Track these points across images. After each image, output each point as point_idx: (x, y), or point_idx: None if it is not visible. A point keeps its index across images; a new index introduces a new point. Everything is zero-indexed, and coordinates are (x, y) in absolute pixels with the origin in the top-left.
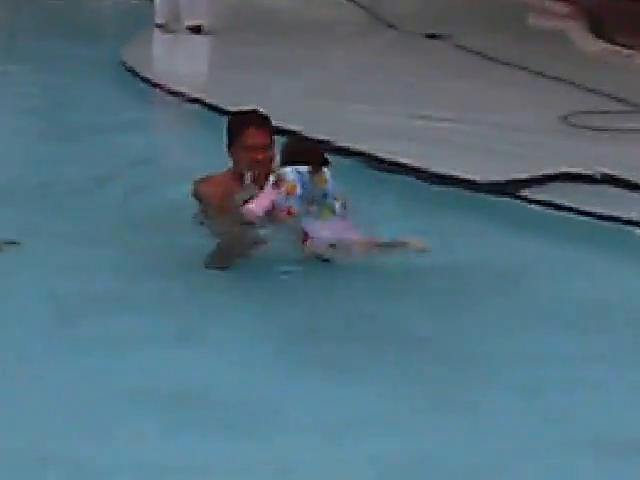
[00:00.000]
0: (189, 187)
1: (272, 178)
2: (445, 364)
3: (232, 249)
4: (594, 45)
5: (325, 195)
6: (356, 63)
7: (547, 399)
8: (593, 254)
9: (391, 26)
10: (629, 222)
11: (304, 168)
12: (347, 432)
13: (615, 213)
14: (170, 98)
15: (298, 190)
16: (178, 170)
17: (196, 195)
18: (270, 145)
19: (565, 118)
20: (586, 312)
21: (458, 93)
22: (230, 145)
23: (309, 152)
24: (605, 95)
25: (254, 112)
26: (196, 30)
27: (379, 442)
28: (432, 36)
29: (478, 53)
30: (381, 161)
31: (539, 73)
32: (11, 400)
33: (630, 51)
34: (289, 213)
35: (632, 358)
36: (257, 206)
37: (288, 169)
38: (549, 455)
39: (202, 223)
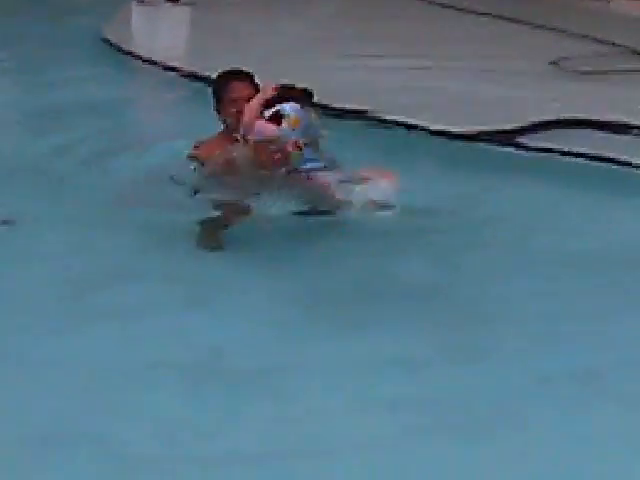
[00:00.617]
0: (186, 153)
1: (267, 114)
2: (457, 312)
3: (227, 221)
4: None
5: (317, 131)
6: (326, 21)
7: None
8: (588, 194)
9: None
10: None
11: (297, 105)
12: (365, 380)
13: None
14: (154, 70)
15: (302, 123)
16: (169, 141)
17: (198, 159)
18: (254, 96)
19: (555, 64)
20: (587, 252)
21: (446, 43)
22: (217, 105)
23: (297, 90)
24: (589, 39)
25: (234, 70)
26: (174, 1)
27: (398, 389)
28: None
29: (459, 8)
30: (370, 118)
31: (521, 22)
32: (31, 377)
33: None
34: (297, 146)
35: (629, 293)
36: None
37: (285, 105)
38: (565, 395)
39: (196, 192)
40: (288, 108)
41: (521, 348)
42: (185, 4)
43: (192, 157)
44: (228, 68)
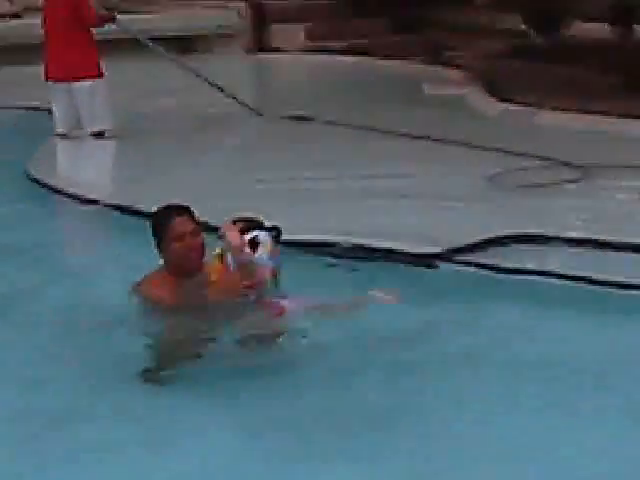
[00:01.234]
0: (129, 293)
1: (245, 239)
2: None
3: (174, 355)
4: (495, 107)
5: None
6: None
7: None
8: (537, 312)
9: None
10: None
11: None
12: None
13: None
14: (79, 205)
15: (277, 251)
16: (104, 275)
17: (143, 298)
18: (198, 230)
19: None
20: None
21: (374, 167)
22: (160, 242)
23: (259, 223)
24: (518, 155)
25: (174, 205)
26: (99, 135)
27: None
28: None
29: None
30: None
31: (448, 141)
32: None
33: (530, 108)
34: (273, 274)
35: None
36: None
37: (260, 232)
38: None
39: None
40: (263, 235)
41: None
42: (109, 138)
43: (138, 296)
44: (164, 204)
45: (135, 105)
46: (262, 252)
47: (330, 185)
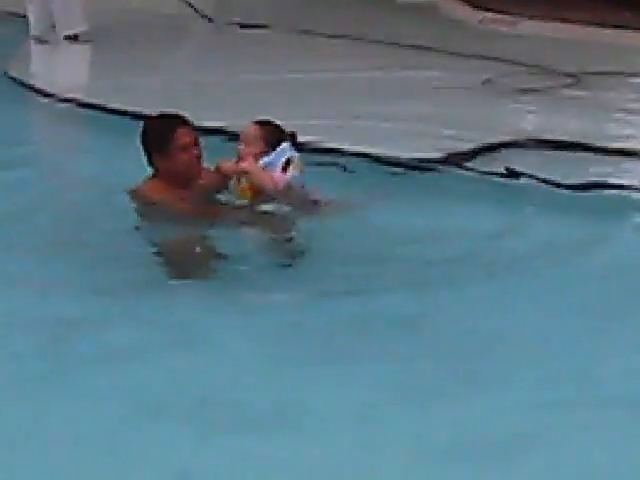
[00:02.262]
0: (126, 197)
1: (283, 159)
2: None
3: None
4: (471, 15)
5: None
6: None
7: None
8: (547, 217)
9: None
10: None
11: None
12: (373, 415)
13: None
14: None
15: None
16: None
17: (145, 202)
18: (198, 139)
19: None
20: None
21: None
22: (160, 151)
23: (283, 131)
24: (504, 61)
25: (173, 115)
26: (73, 39)
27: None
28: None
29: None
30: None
31: (428, 49)
32: (16, 431)
33: (509, 17)
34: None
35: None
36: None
37: (289, 150)
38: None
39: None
40: (293, 153)
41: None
42: (84, 42)
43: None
44: (157, 114)
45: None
46: (294, 171)
47: None
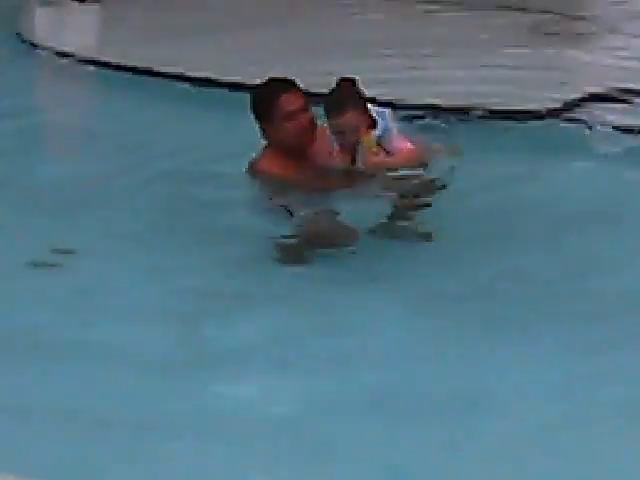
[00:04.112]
0: (246, 172)
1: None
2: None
3: (319, 237)
4: None
5: None
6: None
7: None
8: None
9: None
10: None
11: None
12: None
13: None
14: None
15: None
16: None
17: (268, 178)
18: (306, 105)
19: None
20: None
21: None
22: (266, 120)
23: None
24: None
25: (274, 80)
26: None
27: None
28: None
29: None
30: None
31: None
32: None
33: None
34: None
35: None
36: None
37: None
38: None
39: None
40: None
41: None
42: (91, 2)
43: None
44: (264, 80)
45: None
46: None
47: None
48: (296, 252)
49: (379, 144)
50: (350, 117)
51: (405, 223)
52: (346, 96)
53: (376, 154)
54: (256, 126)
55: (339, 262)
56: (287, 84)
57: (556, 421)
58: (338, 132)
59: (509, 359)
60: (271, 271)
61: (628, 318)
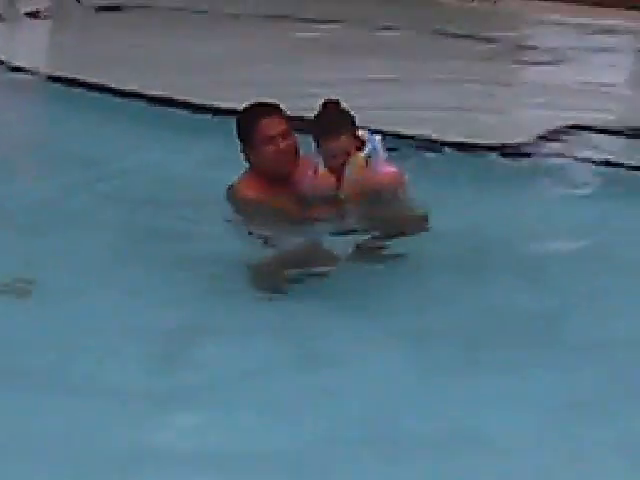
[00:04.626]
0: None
1: (383, 152)
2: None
3: (296, 261)
4: None
5: None
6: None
7: None
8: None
9: None
10: None
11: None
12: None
13: None
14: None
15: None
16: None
17: (245, 203)
18: (289, 130)
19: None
20: None
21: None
22: (248, 146)
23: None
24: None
25: (258, 104)
26: (34, 15)
27: None
28: None
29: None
30: None
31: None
32: None
33: None
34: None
35: None
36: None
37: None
38: None
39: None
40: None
41: None
42: (45, 18)
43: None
44: (250, 103)
45: None
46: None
47: None
48: (273, 279)
49: (367, 163)
50: (344, 141)
51: (383, 249)
52: (338, 120)
53: (363, 169)
54: (239, 149)
55: (317, 290)
56: (270, 108)
57: (548, 459)
58: (330, 156)
59: (494, 393)
60: (247, 300)
61: (610, 350)
